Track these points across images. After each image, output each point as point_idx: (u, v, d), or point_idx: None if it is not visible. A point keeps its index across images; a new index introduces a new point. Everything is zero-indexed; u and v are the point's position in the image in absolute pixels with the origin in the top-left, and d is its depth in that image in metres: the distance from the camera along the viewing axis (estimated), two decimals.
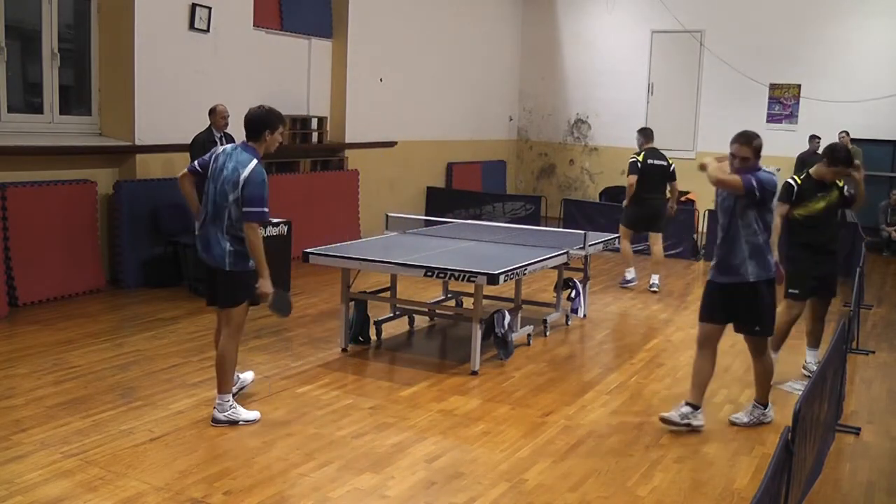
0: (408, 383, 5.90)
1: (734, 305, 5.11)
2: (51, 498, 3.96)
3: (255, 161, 4.79)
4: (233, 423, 4.98)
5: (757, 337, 5.23)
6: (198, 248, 5.01)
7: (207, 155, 5.01)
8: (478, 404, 5.54)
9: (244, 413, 5.04)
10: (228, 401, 4.99)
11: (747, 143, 4.92)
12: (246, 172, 4.73)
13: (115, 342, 6.62)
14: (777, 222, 5.79)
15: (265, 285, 4.85)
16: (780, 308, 5.85)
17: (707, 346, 5.24)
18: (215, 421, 4.98)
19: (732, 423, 5.30)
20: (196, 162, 5.06)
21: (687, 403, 5.18)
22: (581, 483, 4.38)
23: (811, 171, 6.18)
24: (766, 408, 5.35)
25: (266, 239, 8.11)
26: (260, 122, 4.86)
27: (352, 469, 4.44)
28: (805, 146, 13.42)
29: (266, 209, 4.78)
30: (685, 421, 5.13)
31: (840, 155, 6.02)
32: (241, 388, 5.43)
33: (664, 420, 5.14)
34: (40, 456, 4.41)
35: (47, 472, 4.23)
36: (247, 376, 5.56)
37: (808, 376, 6.10)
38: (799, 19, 13.90)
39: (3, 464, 4.30)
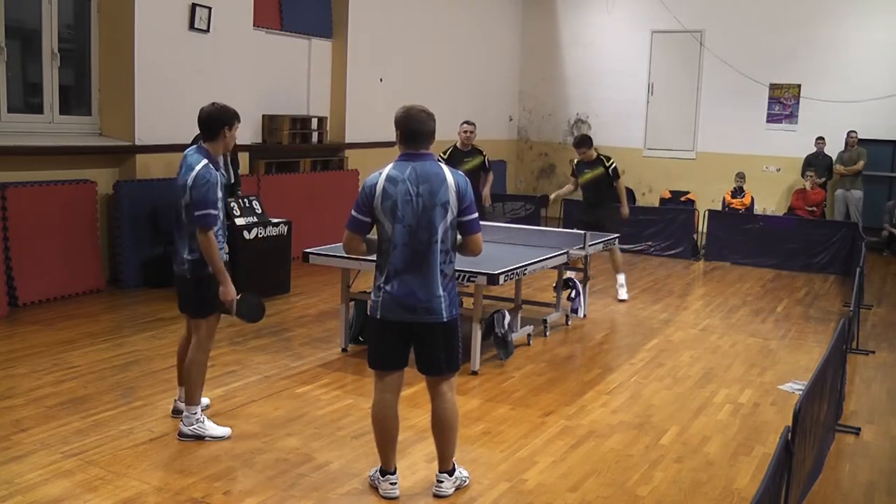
0: (408, 383, 5.86)
1: None
2: (51, 498, 3.96)
3: (203, 162, 4.60)
4: (199, 437, 4.71)
5: None
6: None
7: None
8: (478, 404, 5.54)
9: (212, 428, 4.76)
10: (196, 413, 4.73)
11: None
12: (192, 176, 4.55)
13: (115, 342, 6.62)
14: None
15: (226, 293, 4.61)
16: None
17: None
18: (181, 435, 4.72)
19: None
20: None
21: None
22: (581, 483, 4.38)
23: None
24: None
25: (266, 239, 8.21)
26: (219, 119, 4.69)
27: (352, 469, 4.44)
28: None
29: (210, 211, 4.52)
30: None
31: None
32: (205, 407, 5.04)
33: None
34: (40, 456, 4.41)
35: (47, 472, 4.23)
36: (204, 401, 5.07)
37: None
38: (799, 19, 13.90)
39: (3, 464, 4.30)
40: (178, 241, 4.74)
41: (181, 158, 4.77)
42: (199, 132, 4.87)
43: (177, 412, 5.03)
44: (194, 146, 4.83)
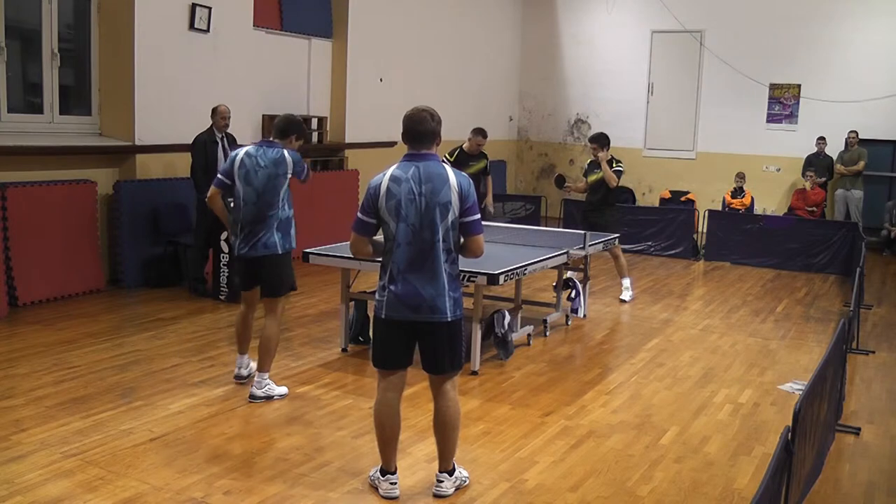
0: (408, 383, 5.86)
1: None
2: (51, 498, 3.96)
3: (286, 150, 5.33)
4: (269, 398, 5.44)
5: None
6: (238, 250, 5.34)
7: (227, 163, 5.38)
8: (478, 404, 5.54)
9: (277, 389, 5.53)
10: (266, 378, 5.44)
11: None
12: (289, 159, 5.31)
13: (115, 342, 6.62)
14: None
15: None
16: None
17: None
18: (253, 397, 5.41)
19: None
20: (219, 176, 5.39)
21: None
22: (581, 483, 4.38)
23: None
24: None
25: None
26: (293, 128, 5.46)
27: (352, 469, 4.44)
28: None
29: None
30: None
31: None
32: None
33: None
34: (40, 456, 4.41)
35: (47, 472, 4.23)
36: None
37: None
38: (799, 19, 13.90)
39: (3, 464, 4.30)
40: (262, 230, 5.26)
41: (244, 157, 5.29)
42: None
43: (239, 378, 5.70)
44: (262, 142, 5.40)
